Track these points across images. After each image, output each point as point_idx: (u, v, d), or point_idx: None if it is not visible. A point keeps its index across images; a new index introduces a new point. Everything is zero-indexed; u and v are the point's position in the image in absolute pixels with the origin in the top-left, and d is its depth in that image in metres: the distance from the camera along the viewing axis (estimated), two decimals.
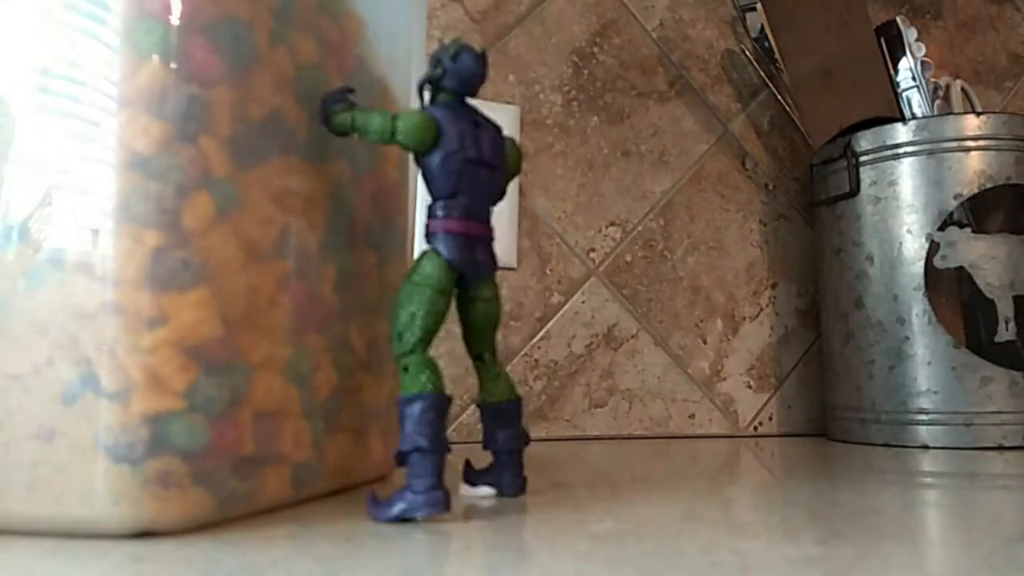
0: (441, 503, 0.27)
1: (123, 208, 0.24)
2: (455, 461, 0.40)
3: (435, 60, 0.30)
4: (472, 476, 0.34)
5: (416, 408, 0.27)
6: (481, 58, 0.30)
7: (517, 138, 0.65)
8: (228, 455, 0.26)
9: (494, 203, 0.31)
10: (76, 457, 0.23)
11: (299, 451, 0.29)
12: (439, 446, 0.27)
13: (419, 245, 0.61)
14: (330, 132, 0.31)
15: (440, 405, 0.28)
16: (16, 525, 0.24)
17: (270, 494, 0.28)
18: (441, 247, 0.30)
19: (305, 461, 0.30)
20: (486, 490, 0.33)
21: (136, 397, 0.24)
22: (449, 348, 0.61)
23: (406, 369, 0.28)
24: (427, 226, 0.30)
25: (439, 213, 0.30)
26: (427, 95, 0.31)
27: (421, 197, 0.62)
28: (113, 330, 0.24)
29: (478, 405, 0.33)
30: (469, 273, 0.30)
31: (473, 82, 0.30)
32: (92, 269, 0.24)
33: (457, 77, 0.30)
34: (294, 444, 0.29)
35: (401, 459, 0.27)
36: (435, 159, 0.30)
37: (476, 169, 0.30)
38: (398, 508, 0.27)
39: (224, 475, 0.26)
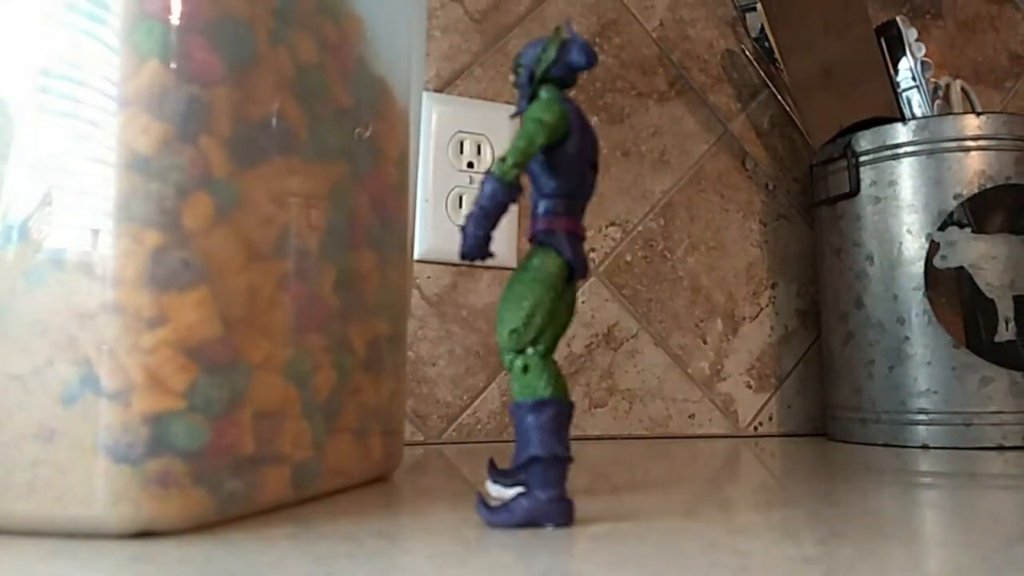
0: (568, 513, 0.27)
1: (123, 208, 0.24)
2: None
3: (547, 48, 0.29)
4: (498, 475, 0.33)
5: (546, 414, 0.26)
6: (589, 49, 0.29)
7: None
8: (228, 455, 0.26)
9: (587, 205, 0.30)
10: (76, 457, 0.23)
11: (299, 451, 0.29)
12: (564, 454, 0.27)
13: (419, 245, 0.62)
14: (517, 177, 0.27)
15: (567, 413, 0.27)
16: (16, 525, 0.24)
17: (270, 494, 0.28)
18: (564, 247, 0.28)
19: (305, 461, 0.30)
20: (519, 490, 0.32)
21: (136, 397, 0.24)
22: (449, 348, 0.61)
23: (525, 369, 0.27)
24: (543, 222, 0.29)
25: (559, 210, 0.28)
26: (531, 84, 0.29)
27: (420, 197, 0.62)
28: (113, 330, 0.24)
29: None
30: (580, 275, 0.29)
31: (580, 71, 0.29)
32: (92, 269, 0.24)
33: (569, 65, 0.29)
34: (294, 444, 0.29)
35: (522, 466, 0.26)
36: (565, 153, 0.28)
37: (586, 168, 0.29)
38: (524, 516, 0.26)
39: (224, 475, 0.26)
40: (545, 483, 0.26)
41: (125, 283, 0.24)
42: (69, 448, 0.23)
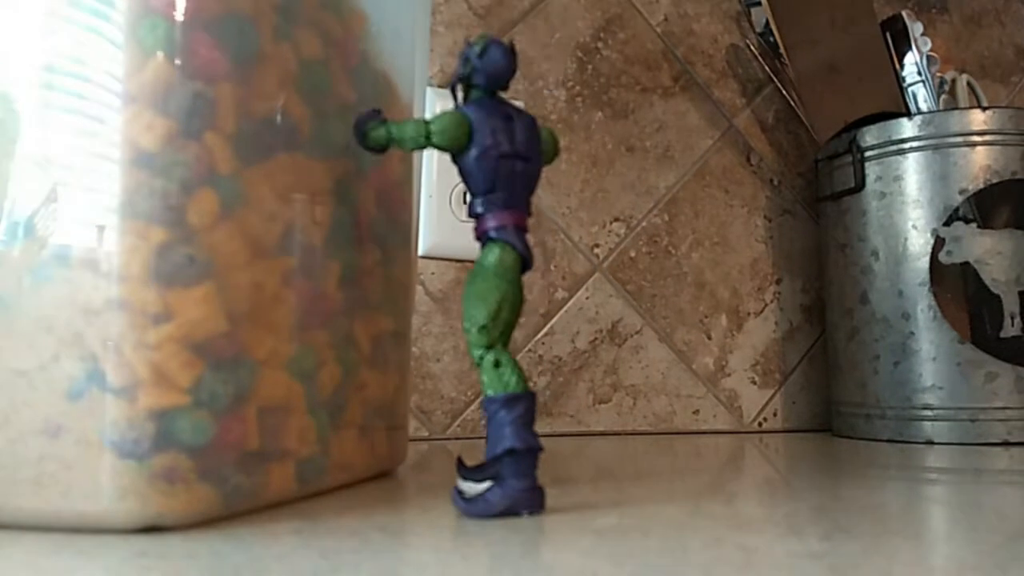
0: (540, 501, 0.28)
1: (128, 204, 0.24)
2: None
3: (464, 58, 0.30)
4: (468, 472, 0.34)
5: (519, 408, 0.28)
6: (510, 52, 0.30)
7: None
8: (233, 450, 0.26)
9: (531, 194, 0.32)
10: (82, 453, 0.23)
11: (304, 446, 0.29)
12: (538, 445, 0.28)
13: (424, 241, 0.62)
14: (369, 150, 0.31)
15: (535, 404, 0.28)
16: (23, 520, 0.24)
17: (275, 489, 0.28)
18: (517, 241, 0.30)
19: (310, 456, 0.30)
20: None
21: (142, 393, 0.24)
22: (454, 344, 0.62)
23: (497, 364, 0.28)
24: (490, 219, 0.30)
25: (498, 205, 0.30)
26: (460, 94, 0.31)
27: (424, 193, 0.62)
28: (119, 326, 0.24)
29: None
30: (529, 265, 0.30)
31: (503, 77, 0.30)
32: (98, 265, 0.24)
33: (486, 73, 0.30)
34: (299, 440, 0.29)
35: (497, 458, 0.27)
36: (470, 157, 0.30)
37: (512, 163, 0.30)
38: (501, 505, 0.27)
39: (229, 470, 0.26)
40: (520, 473, 0.27)
41: (130, 279, 0.24)
42: (75, 444, 0.24)
